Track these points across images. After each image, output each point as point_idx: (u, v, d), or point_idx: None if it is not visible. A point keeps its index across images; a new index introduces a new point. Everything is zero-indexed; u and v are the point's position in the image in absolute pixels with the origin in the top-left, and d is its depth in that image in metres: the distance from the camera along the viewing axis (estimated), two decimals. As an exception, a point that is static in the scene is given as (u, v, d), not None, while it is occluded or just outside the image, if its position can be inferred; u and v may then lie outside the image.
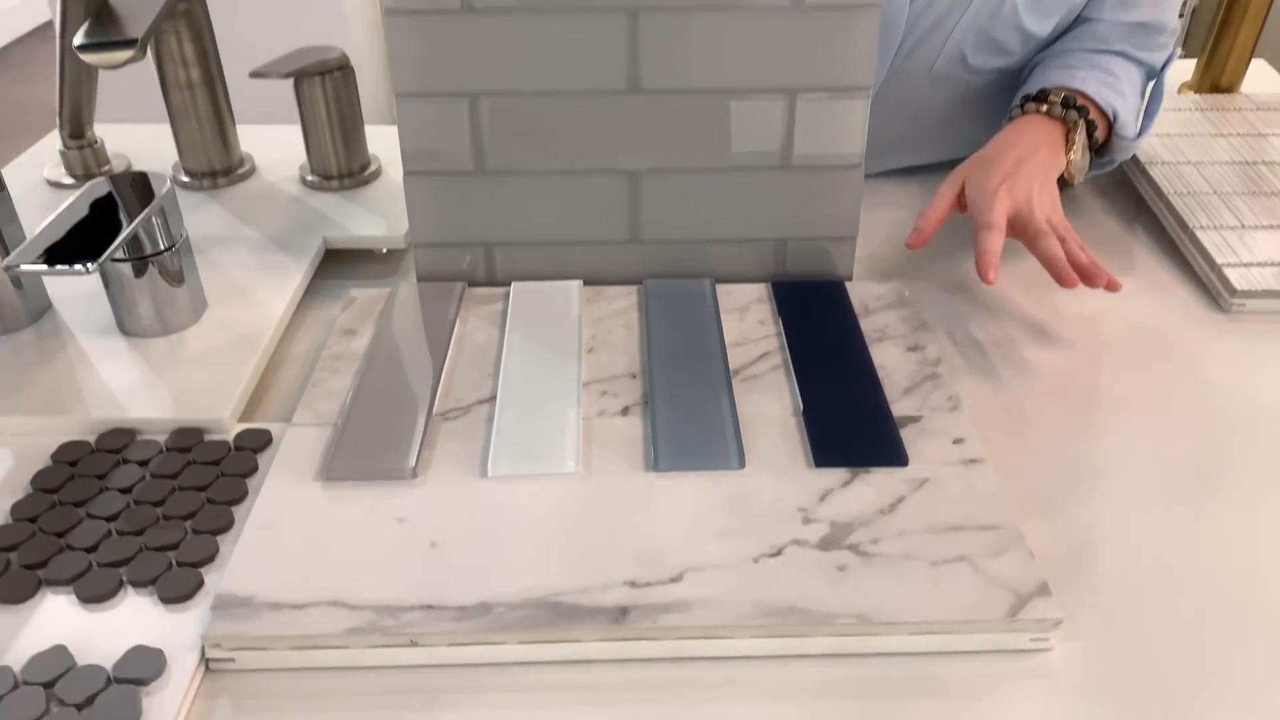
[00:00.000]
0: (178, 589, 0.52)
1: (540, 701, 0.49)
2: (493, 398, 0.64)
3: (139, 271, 0.68)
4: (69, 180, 0.90)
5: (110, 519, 0.56)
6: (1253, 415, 0.66)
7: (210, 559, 0.54)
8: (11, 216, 0.69)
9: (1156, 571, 0.55)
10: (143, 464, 0.60)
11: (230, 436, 0.63)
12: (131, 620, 0.51)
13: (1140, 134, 0.84)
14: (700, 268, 0.76)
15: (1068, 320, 0.75)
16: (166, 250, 0.69)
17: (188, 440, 0.62)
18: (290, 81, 0.85)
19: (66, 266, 0.61)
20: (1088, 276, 0.70)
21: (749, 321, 0.72)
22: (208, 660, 0.50)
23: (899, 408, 0.63)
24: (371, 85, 1.01)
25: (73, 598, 0.52)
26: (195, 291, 0.72)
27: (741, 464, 0.59)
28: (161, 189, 0.69)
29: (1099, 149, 0.84)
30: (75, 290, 0.73)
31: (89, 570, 0.53)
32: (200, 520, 0.56)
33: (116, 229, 0.64)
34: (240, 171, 0.91)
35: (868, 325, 0.71)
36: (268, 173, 0.91)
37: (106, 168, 0.91)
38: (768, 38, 0.68)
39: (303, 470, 0.59)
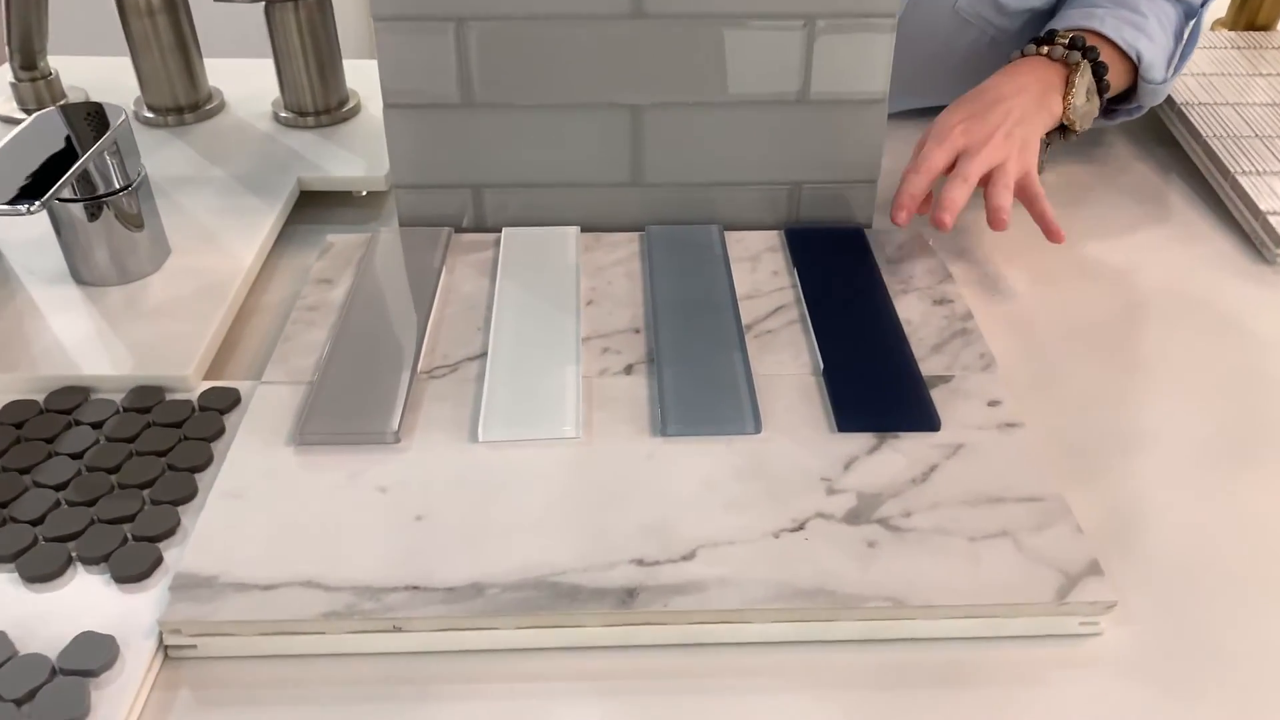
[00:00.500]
0: (133, 567, 0.47)
1: (538, 693, 0.44)
2: (483, 354, 0.59)
3: (92, 214, 0.62)
4: (21, 115, 0.83)
5: (59, 488, 0.51)
6: (1305, 375, 0.61)
7: (170, 533, 0.49)
8: (-49, 152, 0.63)
9: (1210, 545, 0.51)
10: (96, 426, 0.55)
11: (194, 396, 0.57)
12: (80, 602, 0.46)
13: (1173, 76, 0.78)
14: (708, 213, 0.70)
15: (1100, 272, 0.70)
16: (122, 190, 0.63)
17: (147, 400, 0.56)
18: (261, 7, 0.78)
19: (7, 206, 0.54)
20: (991, 221, 0.66)
21: (761, 272, 0.66)
22: (166, 648, 0.45)
23: (927, 366, 0.58)
24: (350, 14, 0.94)
25: (15, 576, 0.47)
26: (156, 236, 0.66)
27: (757, 428, 0.54)
28: (116, 121, 0.62)
29: (1126, 94, 0.78)
30: (24, 235, 0.67)
31: (34, 545, 0.48)
32: (159, 489, 0.51)
33: (68, 166, 0.58)
34: (208, 107, 0.84)
35: (890, 276, 0.66)
36: (237, 108, 0.85)
37: (63, 102, 0.85)
38: (786, -43, 0.62)
39: (273, 433, 0.53)
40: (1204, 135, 0.81)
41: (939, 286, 0.65)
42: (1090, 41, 0.74)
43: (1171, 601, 0.48)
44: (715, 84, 0.66)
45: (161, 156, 0.78)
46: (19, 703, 0.41)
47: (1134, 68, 0.76)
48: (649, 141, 0.68)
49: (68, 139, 0.61)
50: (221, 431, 0.55)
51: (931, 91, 0.87)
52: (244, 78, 0.87)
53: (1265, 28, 0.99)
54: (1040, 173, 0.70)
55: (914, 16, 0.81)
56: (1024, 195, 0.68)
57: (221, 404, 0.56)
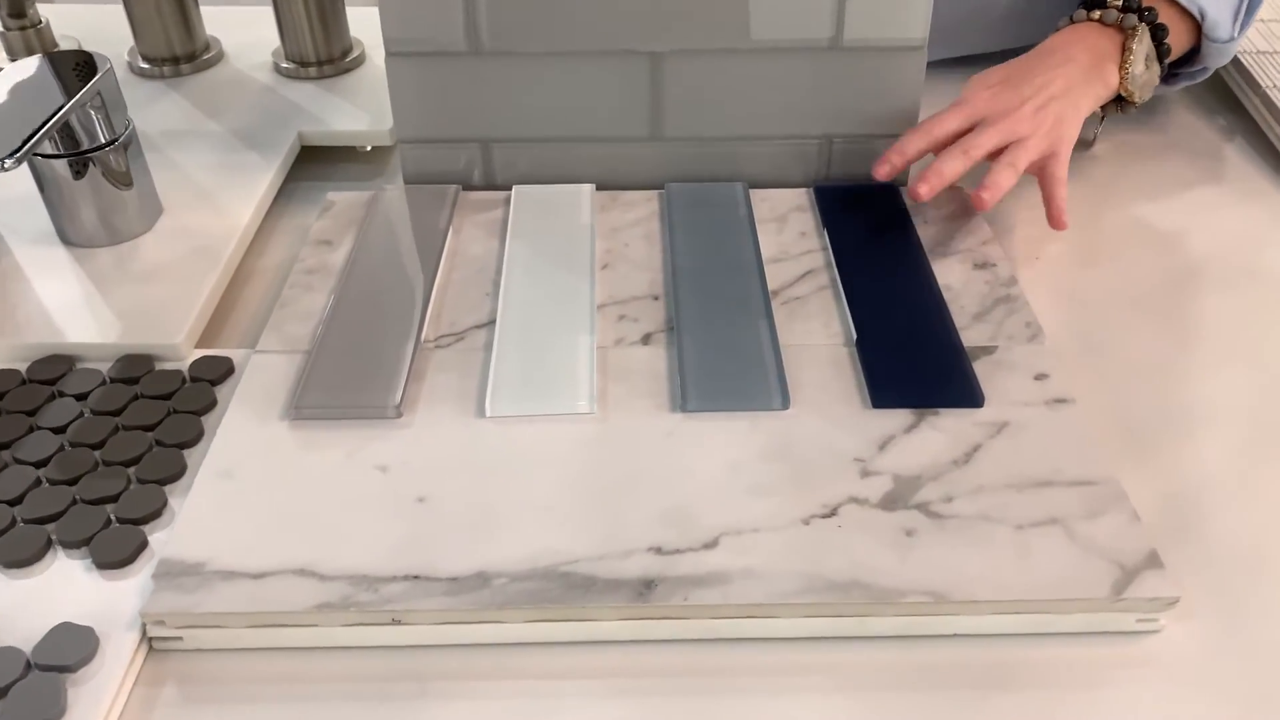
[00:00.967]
0: (116, 552, 0.44)
1: (547, 691, 0.41)
2: (491, 322, 0.55)
3: (77, 171, 0.58)
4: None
5: (39, 464, 0.48)
6: (1377, 346, 0.57)
7: (156, 514, 0.46)
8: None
9: (1277, 531, 0.47)
10: (81, 398, 0.51)
11: (185, 365, 0.54)
12: (59, 590, 0.43)
13: (1240, 32, 0.71)
14: (732, 169, 0.66)
15: (1150, 234, 0.65)
16: (109, 145, 0.59)
17: (135, 370, 0.53)
18: (257, -50, 0.74)
19: (-21, 162, 0.51)
20: (980, 189, 0.59)
21: (789, 233, 0.62)
22: (150, 639, 0.42)
23: (969, 336, 0.54)
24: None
25: (-10, 562, 0.44)
26: (147, 195, 0.62)
27: (785, 404, 0.50)
28: (102, 71, 0.58)
29: (1189, 55, 0.72)
30: (8, 193, 0.64)
31: (11, 527, 0.45)
32: (146, 467, 0.48)
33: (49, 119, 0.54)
34: (205, 58, 0.80)
35: (927, 238, 0.61)
36: (236, 59, 0.81)
37: (51, 51, 0.81)
38: (819, -111, 0.57)
39: (268, 407, 0.50)
40: (1263, 86, 0.75)
41: (980, 249, 0.60)
42: (1147, 1, 0.68)
43: (1237, 594, 0.44)
44: (740, 29, 0.61)
45: (156, 109, 0.74)
46: (-10, 701, 0.38)
47: (1197, 26, 0.69)
48: (669, 92, 0.63)
49: (51, 90, 0.57)
50: (213, 404, 0.52)
51: (974, 38, 0.81)
52: (243, 26, 0.83)
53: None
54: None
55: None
56: (1042, 175, 0.62)
57: (214, 374, 0.53)
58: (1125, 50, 0.66)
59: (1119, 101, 0.67)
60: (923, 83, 0.64)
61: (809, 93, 0.63)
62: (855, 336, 0.54)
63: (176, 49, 0.79)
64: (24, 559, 0.43)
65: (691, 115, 0.64)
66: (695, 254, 0.59)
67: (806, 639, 0.42)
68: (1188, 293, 0.61)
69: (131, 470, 0.48)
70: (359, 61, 0.79)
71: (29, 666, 0.39)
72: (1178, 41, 0.68)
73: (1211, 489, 0.49)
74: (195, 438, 0.50)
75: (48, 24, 0.81)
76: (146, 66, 0.79)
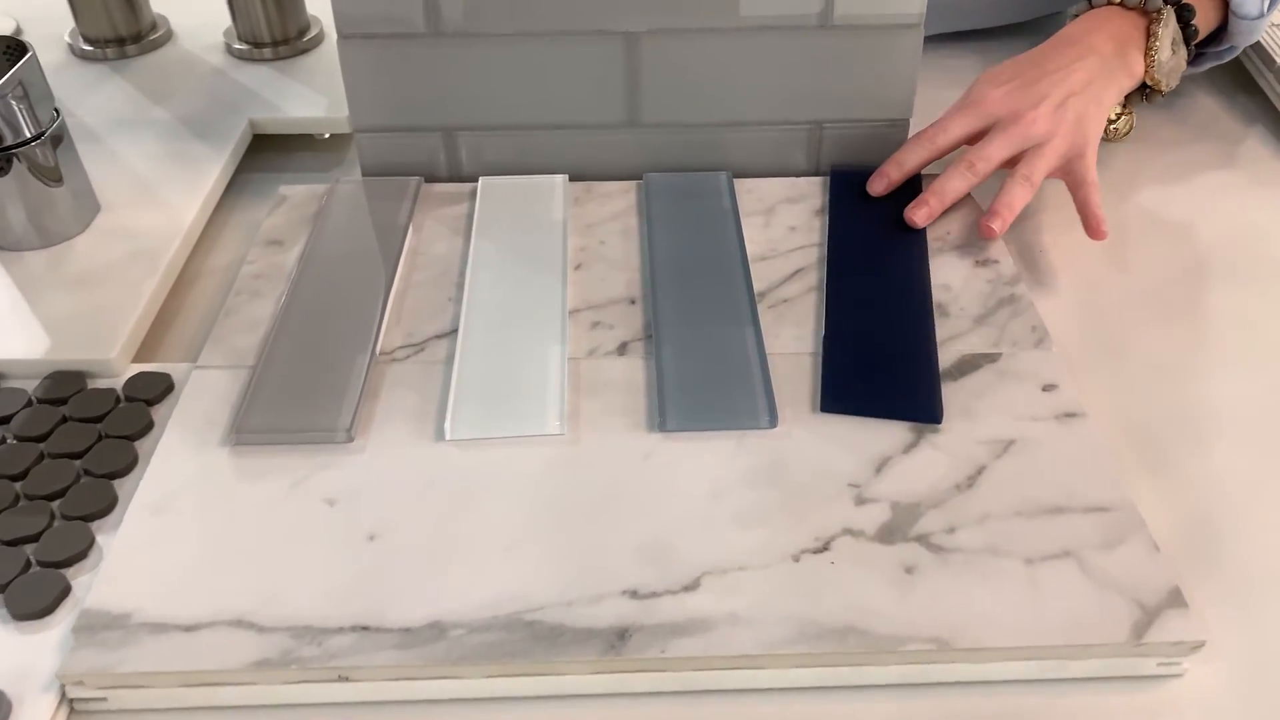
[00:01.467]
0: (34, 600, 0.39)
1: (512, 753, 0.37)
2: (453, 331, 0.51)
3: (1, 168, 0.54)
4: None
5: (-47, 499, 0.43)
6: (1406, 346, 0.53)
7: (81, 555, 0.41)
8: None
9: (1307, 559, 0.43)
10: (3, 422, 0.47)
11: (120, 383, 0.49)
12: (-30, 645, 0.38)
13: (1270, 8, 0.66)
14: (715, 158, 0.61)
15: (1160, 224, 0.61)
16: (34, 140, 0.54)
17: (64, 389, 0.48)
18: (202, -79, 0.68)
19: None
20: (989, 215, 0.55)
21: (777, 227, 0.58)
22: (70, 701, 0.37)
23: (970, 341, 0.50)
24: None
25: (-107, 613, 0.39)
26: (81, 192, 0.58)
27: (773, 421, 0.46)
28: (24, 59, 0.53)
29: (1214, 35, 0.67)
30: (-69, 190, 0.59)
31: (-81, 573, 0.40)
32: (71, 501, 0.43)
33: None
34: (152, 38, 0.75)
35: (927, 231, 0.57)
36: (185, 39, 0.76)
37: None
38: None
39: (208, 430, 0.46)
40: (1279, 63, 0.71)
41: (982, 244, 0.56)
42: None
43: (1265, 630, 0.40)
44: (722, 6, 0.56)
45: (96, 96, 0.69)
46: (-116, 780, 0.34)
47: (1224, 3, 0.65)
48: (646, 74, 0.59)
49: (-28, 79, 0.52)
50: (149, 426, 0.47)
51: (975, 13, 0.77)
52: (193, 4, 0.77)
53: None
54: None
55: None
56: (1069, 179, 0.58)
57: (151, 393, 0.49)
58: (1150, 35, 0.61)
59: (1143, 90, 0.63)
60: (919, 64, 0.59)
61: (797, 74, 0.59)
62: (824, 336, 0.50)
63: (120, 29, 0.74)
64: (-69, 610, 0.39)
65: (671, 99, 0.60)
66: (676, 251, 0.55)
67: (797, 689, 0.38)
68: (1194, 288, 0.57)
69: (55, 504, 0.43)
70: (316, 41, 0.74)
71: (-70, 738, 0.35)
72: (1204, 21, 0.64)
73: (1235, 510, 0.45)
74: (127, 466, 0.45)
75: (-18, 3, 0.76)
76: (89, 48, 0.74)
